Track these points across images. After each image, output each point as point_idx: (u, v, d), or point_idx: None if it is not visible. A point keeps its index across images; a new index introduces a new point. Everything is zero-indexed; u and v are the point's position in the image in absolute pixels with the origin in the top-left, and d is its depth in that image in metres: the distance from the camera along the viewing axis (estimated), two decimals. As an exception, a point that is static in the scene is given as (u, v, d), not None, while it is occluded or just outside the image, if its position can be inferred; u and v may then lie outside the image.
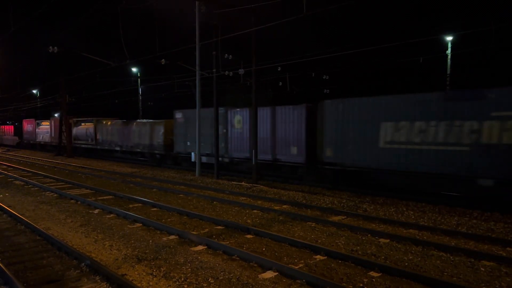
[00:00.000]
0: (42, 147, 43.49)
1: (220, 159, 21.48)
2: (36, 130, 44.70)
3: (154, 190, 16.28)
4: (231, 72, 23.39)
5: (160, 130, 26.41)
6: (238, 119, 21.10)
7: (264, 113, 19.21)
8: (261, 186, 16.48)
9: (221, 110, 21.50)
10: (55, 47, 25.26)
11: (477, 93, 12.48)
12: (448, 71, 26.78)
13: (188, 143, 23.98)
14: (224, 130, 21.54)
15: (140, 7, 17.43)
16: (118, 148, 30.87)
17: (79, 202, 13.49)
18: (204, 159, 22.72)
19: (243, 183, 17.44)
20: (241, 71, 22.37)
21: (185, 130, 24.17)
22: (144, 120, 28.90)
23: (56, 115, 45.67)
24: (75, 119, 36.69)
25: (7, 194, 15.09)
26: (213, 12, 18.44)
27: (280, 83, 32.80)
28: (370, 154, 15.03)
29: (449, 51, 26.40)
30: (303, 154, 17.61)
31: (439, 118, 13.25)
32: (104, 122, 32.69)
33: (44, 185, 16.87)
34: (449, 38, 26.25)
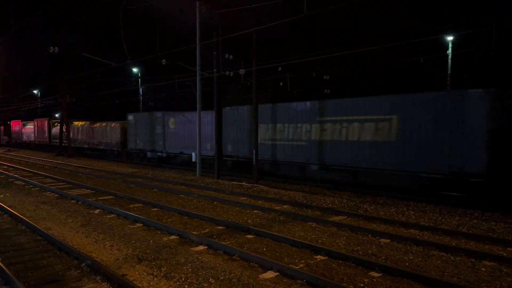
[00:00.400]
0: (27, 145, 47.59)
1: (159, 154, 26.29)
2: (22, 130, 48.76)
3: (155, 190, 16.29)
4: (231, 72, 23.39)
5: (117, 130, 30.71)
6: (172, 121, 25.06)
7: (189, 116, 23.53)
8: (262, 186, 16.49)
9: (159, 113, 26.15)
10: (56, 47, 25.27)
11: (309, 104, 17.33)
12: (449, 71, 26.78)
13: (137, 141, 28.24)
14: (162, 130, 25.44)
15: (141, 7, 17.44)
16: (86, 146, 35.34)
17: (79, 202, 13.49)
18: (148, 154, 27.19)
19: (243, 183, 17.44)
20: (242, 71, 22.37)
21: (135, 131, 28.33)
22: (105, 122, 32.93)
23: (57, 115, 45.90)
24: (53, 121, 41.35)
25: (8, 194, 15.10)
26: (213, 12, 18.44)
27: (281, 83, 32.79)
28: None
29: (449, 51, 26.39)
30: (214, 149, 20.90)
31: (289, 121, 18.04)
32: (75, 123, 37.06)
33: (45, 185, 16.88)
34: (449, 38, 26.25)
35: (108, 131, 31.88)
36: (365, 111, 15.28)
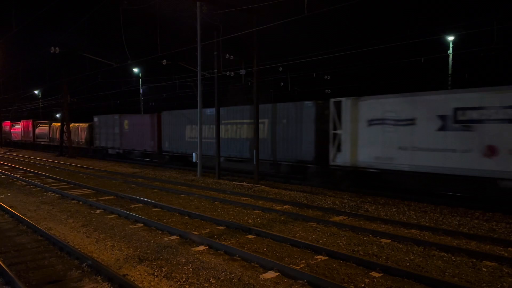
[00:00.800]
0: (15, 144, 52.57)
1: (117, 150, 30.27)
2: (11, 130, 54.08)
3: (156, 190, 16.30)
4: (232, 73, 23.40)
5: (85, 130, 35.48)
6: (126, 122, 29.15)
7: (135, 118, 28.67)
8: (263, 187, 16.48)
9: (116, 116, 30.28)
10: (57, 48, 25.28)
11: (213, 111, 20.61)
12: (450, 71, 26.75)
13: (101, 139, 32.58)
14: (118, 131, 29.88)
15: (142, 8, 17.44)
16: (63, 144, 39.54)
17: (80, 203, 13.51)
18: (109, 150, 31.46)
19: (244, 183, 17.43)
20: (243, 72, 22.38)
21: (100, 130, 32.64)
22: (77, 123, 37.16)
23: (58, 115, 46.17)
24: (37, 122, 46.16)
25: (9, 195, 15.12)
26: (214, 12, 18.43)
27: (282, 83, 32.81)
28: (183, 145, 23.97)
29: (450, 51, 26.37)
30: (155, 146, 26.30)
31: (206, 123, 21.78)
32: (53, 124, 41.87)
33: (46, 185, 16.90)
34: (450, 38, 26.23)
35: (79, 131, 36.56)
36: (250, 116, 19.31)
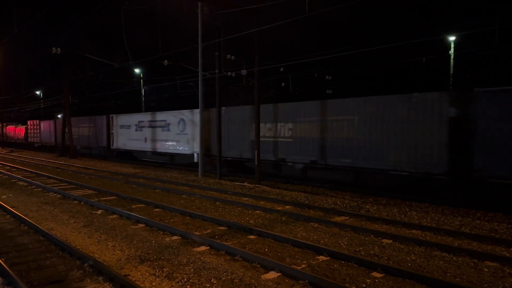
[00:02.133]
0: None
1: (39, 144, 42.47)
2: None
3: (157, 190, 16.31)
4: (233, 73, 23.41)
5: (23, 130, 48.48)
6: (42, 125, 42.25)
7: (46, 123, 42.08)
8: (264, 187, 16.48)
9: (37, 121, 43.96)
10: (58, 48, 25.31)
11: (83, 117, 36.32)
12: (451, 71, 26.72)
13: (31, 137, 45.74)
14: (38, 130, 42.91)
15: (143, 8, 17.47)
16: (12, 141, 53.31)
17: (82, 203, 13.53)
18: (35, 144, 44.46)
19: (245, 183, 17.44)
20: (244, 72, 22.38)
21: (30, 130, 45.32)
22: (20, 125, 51.01)
23: (59, 116, 46.27)
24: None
25: (10, 195, 15.15)
26: (215, 13, 18.45)
27: (283, 83, 32.81)
28: (85, 141, 35.48)
29: (451, 51, 26.34)
30: (55, 140, 39.06)
31: (79, 125, 35.87)
32: (3, 125, 55.54)
33: (47, 185, 16.92)
34: (452, 38, 26.20)
35: (19, 131, 50.36)
36: (88, 122, 34.33)
